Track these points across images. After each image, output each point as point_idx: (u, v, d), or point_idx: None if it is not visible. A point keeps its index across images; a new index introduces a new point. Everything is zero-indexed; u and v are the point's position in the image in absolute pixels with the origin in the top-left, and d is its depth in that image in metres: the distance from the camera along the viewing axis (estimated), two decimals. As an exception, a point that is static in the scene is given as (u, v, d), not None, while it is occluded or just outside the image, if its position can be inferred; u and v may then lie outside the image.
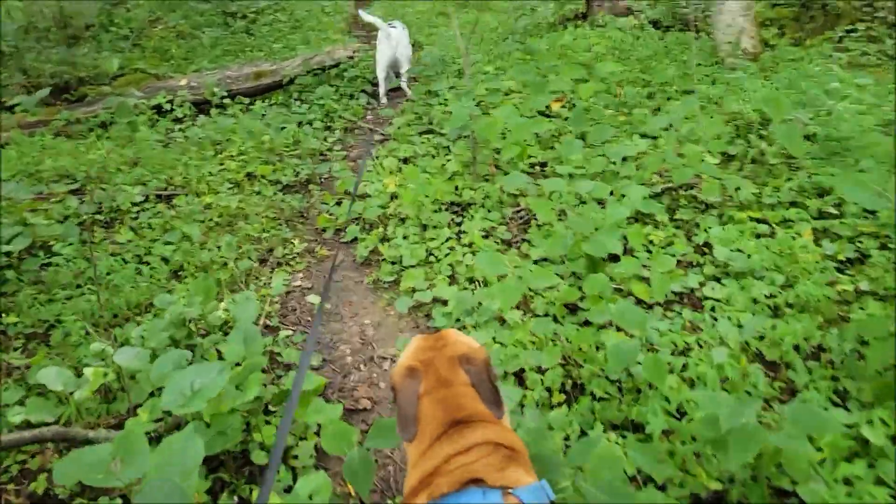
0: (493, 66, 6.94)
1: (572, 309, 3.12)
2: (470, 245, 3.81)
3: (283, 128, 6.20)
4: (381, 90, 7.02)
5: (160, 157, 5.28)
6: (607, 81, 5.61)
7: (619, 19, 8.11)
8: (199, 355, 2.87)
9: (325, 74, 7.41)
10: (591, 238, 3.15)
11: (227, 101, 6.79)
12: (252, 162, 5.34)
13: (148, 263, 3.92)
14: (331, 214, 4.58)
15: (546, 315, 3.10)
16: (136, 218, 4.50)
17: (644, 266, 3.26)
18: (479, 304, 3.20)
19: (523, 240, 3.84)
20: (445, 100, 6.22)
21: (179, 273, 3.87)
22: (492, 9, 11.17)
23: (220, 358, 2.69)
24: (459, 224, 4.08)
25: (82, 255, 3.91)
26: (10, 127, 5.95)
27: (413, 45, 8.23)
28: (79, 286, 3.65)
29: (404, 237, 4.00)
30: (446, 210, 4.23)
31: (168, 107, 6.51)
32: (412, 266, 3.74)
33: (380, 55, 6.84)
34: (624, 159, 4.18)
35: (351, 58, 7.57)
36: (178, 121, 6.57)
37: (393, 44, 6.79)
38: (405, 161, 5.17)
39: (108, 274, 3.73)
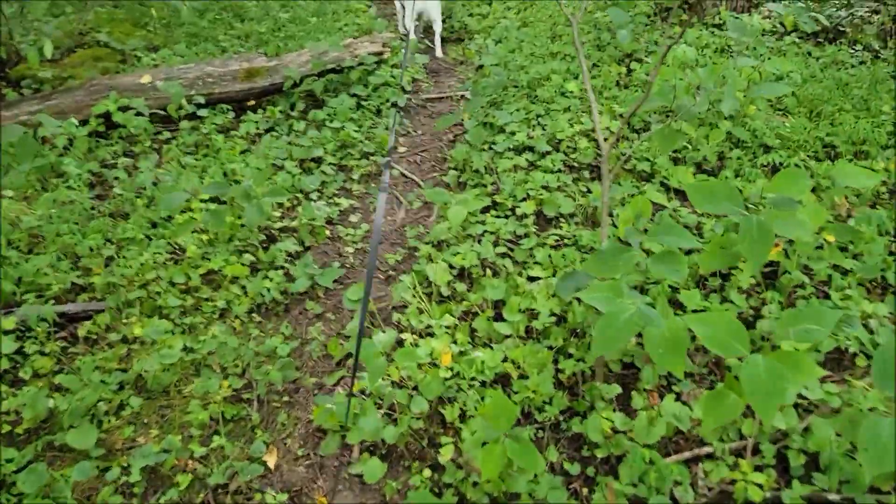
0: (576, 86, 4.91)
1: None
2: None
3: (277, 168, 4.25)
4: (410, 30, 5.96)
5: (76, 235, 3.36)
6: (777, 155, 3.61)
7: (740, 18, 5.98)
8: None
9: (342, 76, 5.39)
10: None
11: (203, 111, 4.81)
12: (220, 247, 3.43)
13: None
14: (332, 394, 2.69)
15: None
16: (9, 368, 2.64)
17: None
18: None
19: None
20: (514, 145, 4.23)
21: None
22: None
23: None
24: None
25: None
26: None
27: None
28: None
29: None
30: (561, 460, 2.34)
31: (119, 118, 4.53)
32: None
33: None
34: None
35: (379, 55, 5.52)
36: (128, 143, 4.61)
37: None
38: (463, 275, 3.25)
39: None
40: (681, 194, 3.63)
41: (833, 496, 1.99)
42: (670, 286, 2.83)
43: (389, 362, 2.59)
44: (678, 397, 2.42)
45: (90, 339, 2.91)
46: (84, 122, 4.52)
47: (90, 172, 4.15)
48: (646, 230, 3.11)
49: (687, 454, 2.19)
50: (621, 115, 4.42)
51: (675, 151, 3.93)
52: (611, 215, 3.54)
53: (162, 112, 4.71)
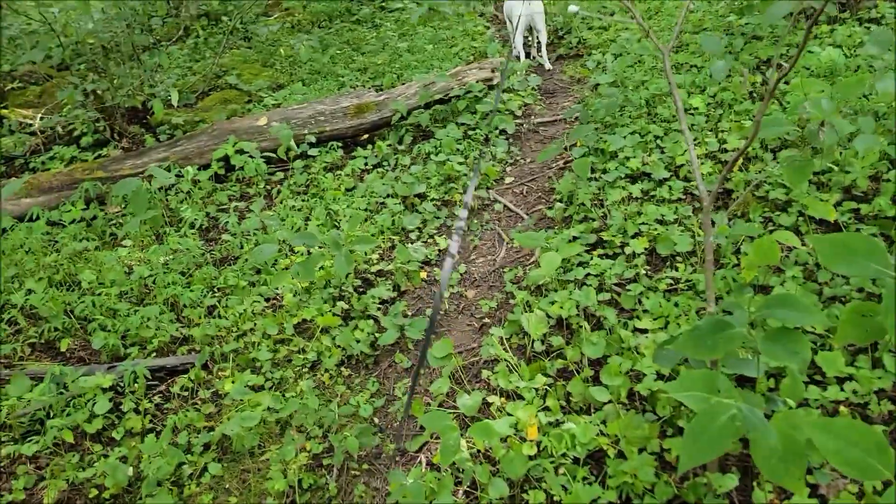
0: (701, 101, 4.43)
1: None
2: None
3: (381, 206, 4.19)
4: (520, 52, 6.35)
5: (178, 287, 3.45)
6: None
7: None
8: None
9: (451, 105, 5.27)
10: None
11: (314, 150, 4.88)
12: (315, 294, 3.38)
13: None
14: (414, 462, 2.50)
15: None
16: (105, 426, 2.72)
17: None
18: None
19: None
20: (627, 173, 3.86)
21: None
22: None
23: None
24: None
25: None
26: (25, 191, 4.42)
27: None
28: None
29: None
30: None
31: (236, 161, 4.69)
32: None
33: (513, 15, 6.32)
34: None
35: (489, 81, 5.34)
36: (245, 185, 4.76)
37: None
38: (562, 325, 2.96)
39: None
40: (825, 224, 3.11)
41: None
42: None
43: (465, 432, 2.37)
44: (814, 491, 1.99)
45: (183, 395, 2.95)
46: (205, 167, 4.73)
47: (207, 215, 4.31)
48: (762, 289, 2.66)
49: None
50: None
51: (816, 174, 3.38)
52: (737, 253, 3.10)
53: (272, 154, 4.83)
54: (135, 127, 5.93)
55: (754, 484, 2.04)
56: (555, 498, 2.17)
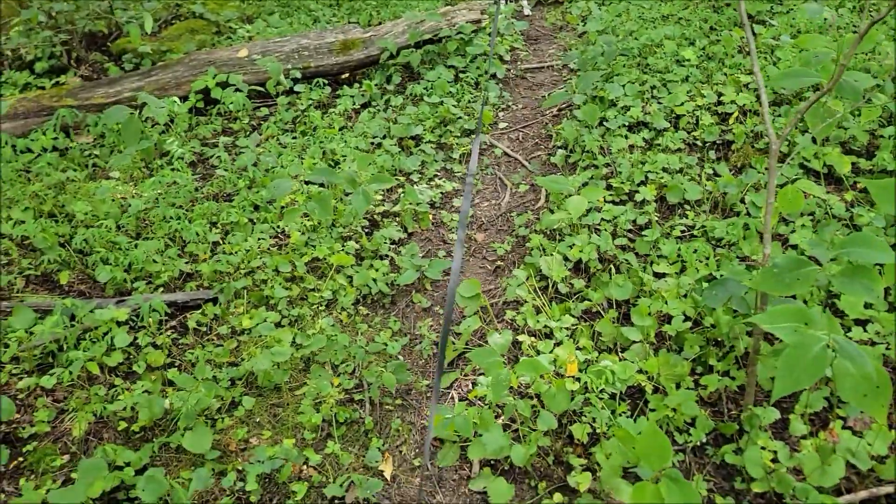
0: (692, 53, 4.49)
1: None
2: None
3: (375, 146, 4.10)
4: None
5: (182, 221, 3.31)
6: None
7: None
8: None
9: (439, 46, 5.15)
10: None
11: (299, 86, 4.70)
12: (322, 233, 3.31)
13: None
14: (446, 399, 2.53)
15: None
16: (123, 360, 2.61)
17: None
18: None
19: None
20: (628, 122, 3.90)
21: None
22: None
23: None
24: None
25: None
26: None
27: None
28: None
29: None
30: None
31: (218, 94, 4.47)
32: None
33: None
34: None
35: (477, 23, 5.24)
36: (227, 120, 4.56)
37: None
38: (580, 269, 3.01)
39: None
40: (828, 179, 3.24)
41: None
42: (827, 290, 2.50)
43: (508, 368, 2.41)
44: (845, 423, 2.12)
45: (199, 330, 2.86)
46: (184, 99, 4.49)
47: (192, 152, 4.12)
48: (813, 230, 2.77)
49: (863, 494, 1.91)
50: (746, 87, 4.00)
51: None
52: (742, 202, 3.21)
53: (259, 88, 4.63)
54: (95, 54, 5.55)
55: (790, 417, 2.16)
56: (598, 430, 2.24)
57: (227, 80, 4.46)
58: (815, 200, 3.04)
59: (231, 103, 4.41)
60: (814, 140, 3.46)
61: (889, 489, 1.92)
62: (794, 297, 2.44)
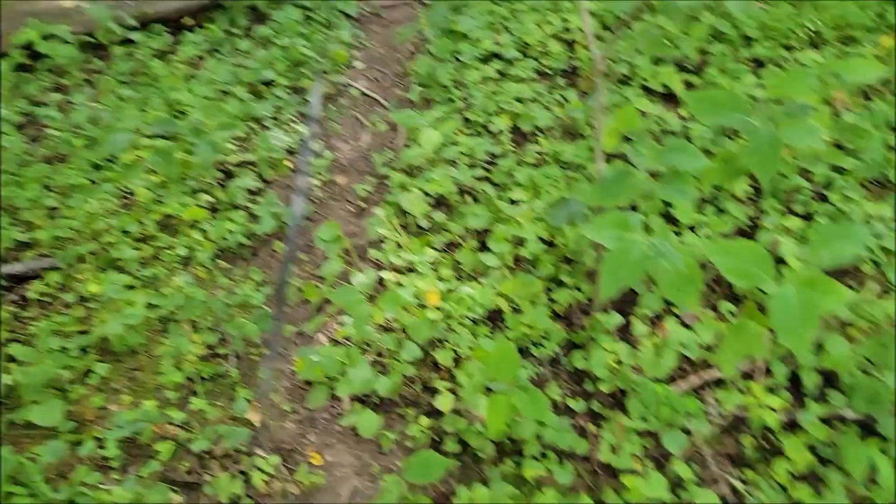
0: None
1: None
2: None
3: (224, 94, 3.91)
4: None
5: (12, 186, 3.03)
6: None
7: None
8: None
9: (286, -15, 4.92)
10: None
11: (136, 35, 4.36)
12: (172, 188, 3.15)
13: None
14: (314, 343, 2.52)
15: None
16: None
17: None
18: None
19: None
20: (480, 54, 3.92)
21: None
22: None
23: None
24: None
25: None
26: None
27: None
28: None
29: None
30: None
31: (43, 49, 4.06)
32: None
33: None
34: None
35: (325, -41, 5.03)
36: (57, 75, 4.17)
37: None
38: (440, 204, 3.05)
39: None
40: (665, 98, 3.43)
41: (851, 414, 1.94)
42: (662, 201, 2.68)
43: (372, 305, 2.43)
44: (679, 321, 2.32)
45: (42, 301, 2.67)
46: (3, 56, 4.06)
47: (20, 113, 3.76)
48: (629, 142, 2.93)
49: (695, 380, 2.11)
50: (592, 14, 4.13)
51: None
52: (590, 125, 3.35)
53: (91, 39, 4.25)
54: None
55: (632, 319, 2.33)
56: (461, 354, 2.32)
57: (51, 32, 4.06)
58: (654, 118, 3.22)
59: (59, 57, 4.03)
60: (654, 62, 3.65)
61: (718, 374, 2.13)
62: (633, 208, 2.60)
